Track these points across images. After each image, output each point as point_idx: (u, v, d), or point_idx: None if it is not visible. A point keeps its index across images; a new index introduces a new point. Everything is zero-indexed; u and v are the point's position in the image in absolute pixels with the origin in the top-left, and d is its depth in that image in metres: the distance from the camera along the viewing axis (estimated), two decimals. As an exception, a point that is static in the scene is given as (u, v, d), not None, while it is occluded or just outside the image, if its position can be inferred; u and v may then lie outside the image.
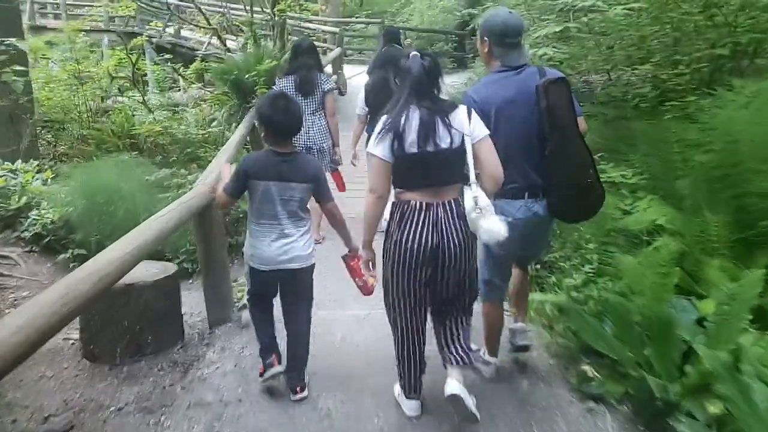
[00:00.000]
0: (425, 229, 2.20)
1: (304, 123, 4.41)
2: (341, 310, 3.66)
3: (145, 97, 11.77)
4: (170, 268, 3.51)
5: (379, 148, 2.21)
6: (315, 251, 2.70)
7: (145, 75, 12.36)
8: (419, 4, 17.95)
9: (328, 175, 3.95)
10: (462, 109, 2.23)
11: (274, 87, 4.42)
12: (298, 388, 2.68)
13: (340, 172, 4.67)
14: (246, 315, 3.25)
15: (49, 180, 5.66)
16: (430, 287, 2.32)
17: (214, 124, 8.79)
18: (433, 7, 17.53)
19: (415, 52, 2.23)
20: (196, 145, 7.31)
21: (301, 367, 2.73)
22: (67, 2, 15.86)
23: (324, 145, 4.50)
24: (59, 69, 9.70)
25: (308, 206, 2.66)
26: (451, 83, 10.64)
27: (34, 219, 4.90)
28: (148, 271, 3.29)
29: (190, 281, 4.53)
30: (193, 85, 12.74)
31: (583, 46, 5.01)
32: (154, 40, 16.07)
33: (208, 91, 12.31)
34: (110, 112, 9.46)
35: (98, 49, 12.91)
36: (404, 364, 2.48)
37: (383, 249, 2.40)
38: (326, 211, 2.69)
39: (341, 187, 4.51)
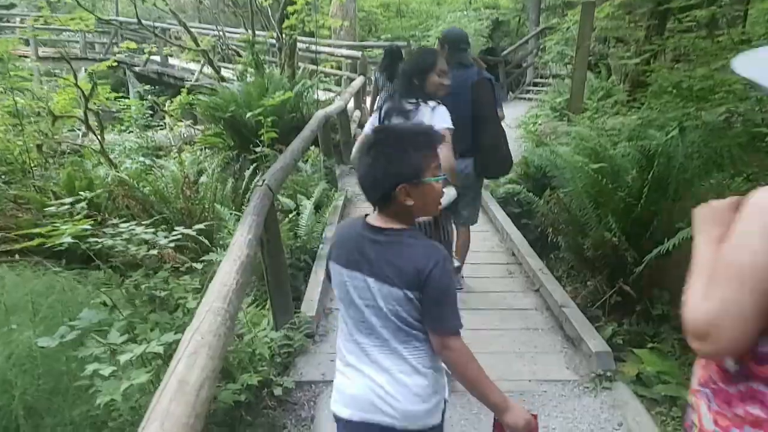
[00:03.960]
0: None
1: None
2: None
3: (123, 136, 9.45)
4: None
5: None
6: None
7: (119, 111, 9.89)
8: (445, 27, 15.70)
9: None
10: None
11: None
12: None
13: None
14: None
15: None
16: None
17: (203, 179, 6.26)
18: (462, 28, 15.29)
19: None
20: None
21: None
22: (37, 27, 13.44)
23: None
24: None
25: None
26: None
27: None
28: None
29: None
30: (180, 123, 10.30)
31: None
32: (136, 68, 13.74)
33: (199, 129, 9.88)
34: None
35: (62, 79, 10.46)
36: None
37: None
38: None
39: None
